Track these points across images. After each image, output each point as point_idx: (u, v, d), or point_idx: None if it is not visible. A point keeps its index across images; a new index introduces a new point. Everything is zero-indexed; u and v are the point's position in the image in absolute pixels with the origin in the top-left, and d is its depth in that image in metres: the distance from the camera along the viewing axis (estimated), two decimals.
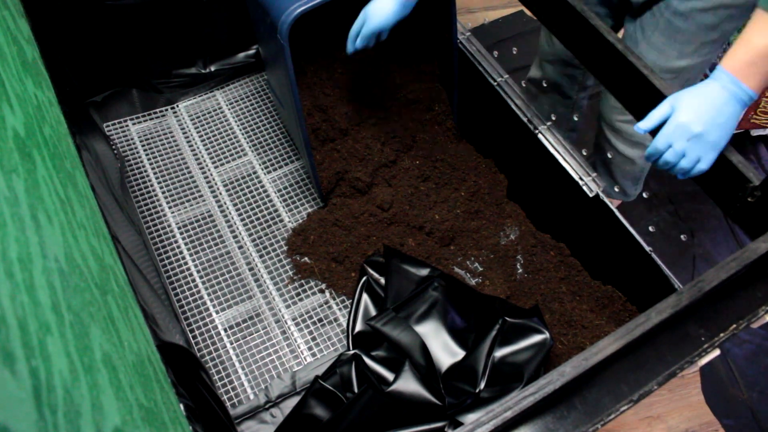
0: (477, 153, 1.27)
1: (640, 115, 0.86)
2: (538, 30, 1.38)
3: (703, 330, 0.69)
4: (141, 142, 1.35)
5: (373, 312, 1.08)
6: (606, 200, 1.05)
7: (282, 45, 0.93)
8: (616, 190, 1.28)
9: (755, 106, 1.64)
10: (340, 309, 1.14)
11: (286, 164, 1.32)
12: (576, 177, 1.08)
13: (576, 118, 1.28)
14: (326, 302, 1.15)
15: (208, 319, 1.13)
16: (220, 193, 1.28)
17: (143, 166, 1.31)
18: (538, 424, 0.64)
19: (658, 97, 0.83)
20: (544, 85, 1.25)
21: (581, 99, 1.32)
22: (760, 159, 1.69)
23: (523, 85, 1.31)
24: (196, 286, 1.16)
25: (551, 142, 1.12)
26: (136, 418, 0.45)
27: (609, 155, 1.21)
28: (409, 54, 1.28)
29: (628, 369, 0.67)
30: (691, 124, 0.73)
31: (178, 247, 1.20)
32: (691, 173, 0.76)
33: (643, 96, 0.87)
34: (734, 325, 0.69)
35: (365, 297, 1.10)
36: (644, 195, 1.25)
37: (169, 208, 1.26)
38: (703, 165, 0.75)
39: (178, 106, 1.41)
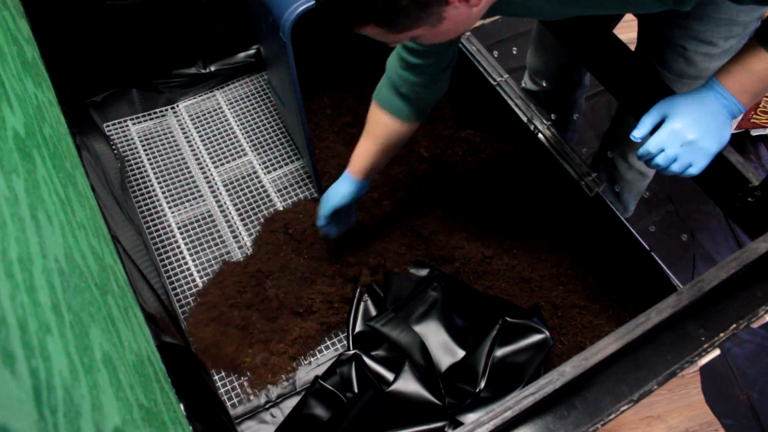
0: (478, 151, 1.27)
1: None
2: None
3: (703, 330, 0.69)
4: (141, 142, 1.35)
5: (373, 312, 1.08)
6: (606, 200, 1.05)
7: (284, 43, 0.93)
8: (620, 206, 1.28)
9: (755, 106, 1.64)
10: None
11: (286, 164, 1.32)
12: (576, 177, 1.08)
13: (576, 118, 1.28)
14: None
15: None
16: (220, 193, 1.28)
17: (143, 166, 1.31)
18: (538, 424, 0.64)
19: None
20: (540, 93, 1.26)
21: (579, 97, 1.33)
22: (760, 159, 1.69)
23: (523, 85, 1.31)
24: (196, 286, 1.16)
25: (551, 142, 1.12)
26: (136, 418, 0.45)
27: (622, 173, 1.20)
28: None
29: (628, 369, 0.67)
30: (685, 130, 0.74)
31: (178, 247, 1.20)
32: (681, 175, 0.77)
33: (647, 101, 0.87)
34: (734, 325, 0.69)
35: (365, 297, 1.10)
36: (644, 195, 1.25)
37: (169, 208, 1.26)
38: (694, 170, 0.76)
39: (178, 106, 1.41)
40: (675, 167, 0.76)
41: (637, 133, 0.78)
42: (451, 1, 0.61)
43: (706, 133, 0.74)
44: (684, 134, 0.74)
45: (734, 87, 0.74)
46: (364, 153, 0.97)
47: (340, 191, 0.99)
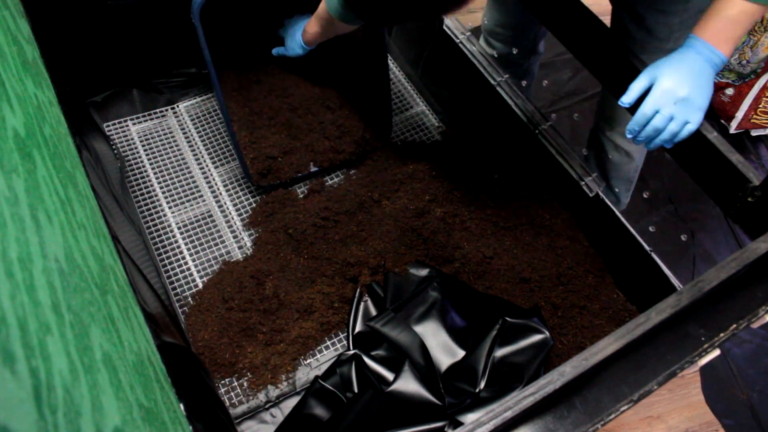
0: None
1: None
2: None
3: (703, 330, 0.69)
4: (141, 142, 1.35)
5: (373, 312, 1.08)
6: (606, 200, 1.06)
7: (195, 26, 0.98)
8: (612, 197, 1.29)
9: (755, 106, 1.64)
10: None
11: None
12: (576, 177, 1.08)
13: (524, 84, 1.29)
14: None
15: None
16: (220, 193, 1.28)
17: (143, 166, 1.31)
18: (538, 424, 0.64)
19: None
20: (495, 56, 1.26)
21: (533, 64, 1.37)
22: (760, 159, 1.69)
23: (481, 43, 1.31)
24: (196, 286, 1.16)
25: (551, 142, 1.12)
26: (136, 418, 0.45)
27: (607, 152, 1.21)
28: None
29: (628, 369, 0.67)
30: (676, 88, 0.77)
31: (178, 247, 1.20)
32: (679, 135, 0.79)
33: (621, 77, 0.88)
34: (734, 325, 0.69)
35: (365, 297, 1.10)
36: (644, 195, 1.25)
37: (169, 208, 1.26)
38: (693, 126, 0.78)
39: (178, 106, 1.41)
40: (673, 126, 0.78)
41: (625, 99, 0.80)
42: None
43: (697, 89, 0.77)
44: (676, 92, 0.77)
45: (712, 37, 0.77)
46: (312, 30, 1.11)
47: (293, 49, 1.18)
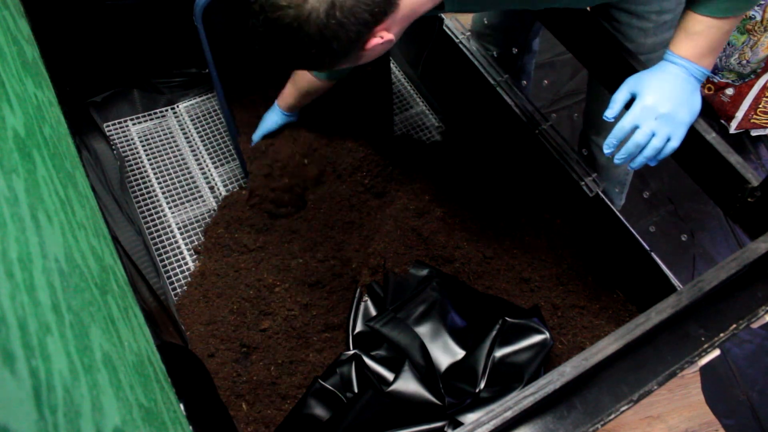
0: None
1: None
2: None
3: (703, 330, 0.69)
4: (141, 142, 1.35)
5: (373, 312, 1.08)
6: (606, 200, 1.06)
7: (197, 28, 1.00)
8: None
9: (755, 106, 1.64)
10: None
11: None
12: (576, 177, 1.08)
13: (524, 84, 1.28)
14: None
15: None
16: (220, 193, 1.28)
17: (143, 166, 1.31)
18: (538, 424, 0.64)
19: None
20: (495, 55, 1.26)
21: (528, 62, 1.36)
22: (760, 159, 1.69)
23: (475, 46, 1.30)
24: None
25: (551, 142, 1.12)
26: (136, 418, 0.45)
27: (596, 157, 1.21)
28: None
29: (628, 369, 0.67)
30: (658, 104, 0.75)
31: (178, 247, 1.20)
32: (663, 152, 0.77)
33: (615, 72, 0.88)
34: (734, 325, 0.70)
35: (365, 297, 1.10)
36: (644, 195, 1.25)
37: (169, 208, 1.26)
38: (675, 143, 0.76)
39: (178, 106, 1.41)
40: (656, 142, 0.76)
41: (609, 113, 0.79)
42: (367, 47, 0.71)
43: (679, 104, 0.75)
44: (657, 108, 0.75)
45: (689, 52, 0.76)
46: (289, 95, 1.12)
47: (272, 120, 1.17)
